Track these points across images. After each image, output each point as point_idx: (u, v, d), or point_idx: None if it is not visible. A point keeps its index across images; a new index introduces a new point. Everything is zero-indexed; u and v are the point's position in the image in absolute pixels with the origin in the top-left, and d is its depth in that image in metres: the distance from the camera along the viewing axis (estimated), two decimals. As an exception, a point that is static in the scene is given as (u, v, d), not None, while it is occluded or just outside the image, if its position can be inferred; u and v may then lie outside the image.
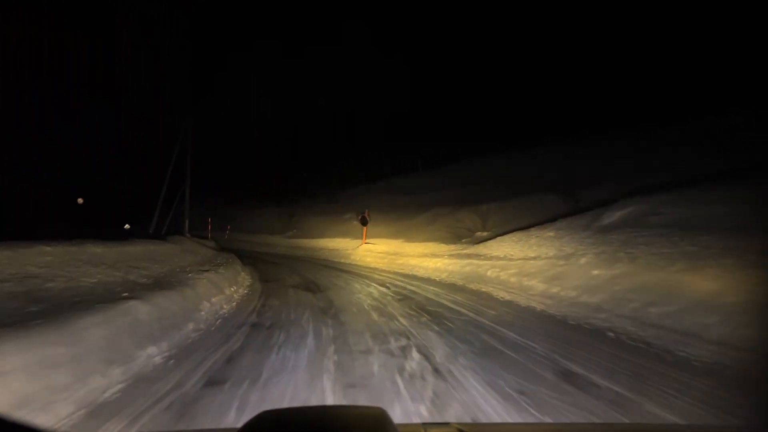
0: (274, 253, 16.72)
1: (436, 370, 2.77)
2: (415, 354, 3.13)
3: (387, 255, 12.27)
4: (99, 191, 19.03)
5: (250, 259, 13.11)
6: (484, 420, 2.08)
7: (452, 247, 11.27)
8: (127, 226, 17.02)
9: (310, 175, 25.57)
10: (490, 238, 10.25)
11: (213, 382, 2.56)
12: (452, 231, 13.35)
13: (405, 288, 6.78)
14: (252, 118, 28.69)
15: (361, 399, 2.33)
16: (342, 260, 13.31)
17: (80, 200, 19.68)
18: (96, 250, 4.86)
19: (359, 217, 14.10)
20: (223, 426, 1.98)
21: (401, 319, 4.37)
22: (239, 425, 0.70)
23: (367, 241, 14.26)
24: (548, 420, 2.08)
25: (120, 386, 2.44)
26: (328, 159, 25.66)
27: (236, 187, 27.81)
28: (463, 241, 12.44)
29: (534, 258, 6.74)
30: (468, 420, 2.09)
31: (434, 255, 10.36)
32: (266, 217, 23.14)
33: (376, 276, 8.67)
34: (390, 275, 8.80)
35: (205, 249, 10.23)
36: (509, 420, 2.09)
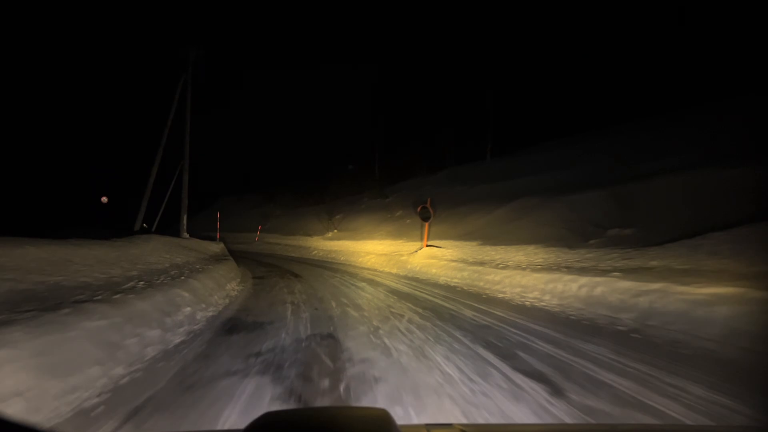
0: (307, 259, 12.58)
1: None
2: None
3: (465, 265, 7.48)
4: (115, 187, 16.60)
5: (265, 269, 8.99)
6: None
7: (587, 253, 6.20)
8: (144, 225, 13.61)
9: (356, 168, 21.40)
10: (686, 236, 5.06)
11: None
12: (567, 227, 8.23)
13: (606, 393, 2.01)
14: (289, 109, 25.23)
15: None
16: (395, 271, 8.74)
17: (104, 199, 17.02)
18: None
19: (418, 209, 9.45)
20: (227, 427, 1.62)
21: None
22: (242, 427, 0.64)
23: (429, 243, 9.56)
24: None
25: None
26: (376, 148, 21.34)
27: (275, 185, 24.47)
28: (592, 242, 7.30)
29: None
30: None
31: (562, 268, 5.38)
32: (306, 217, 19.28)
33: (468, 314, 3.94)
34: (497, 314, 4.01)
35: (177, 254, 6.16)
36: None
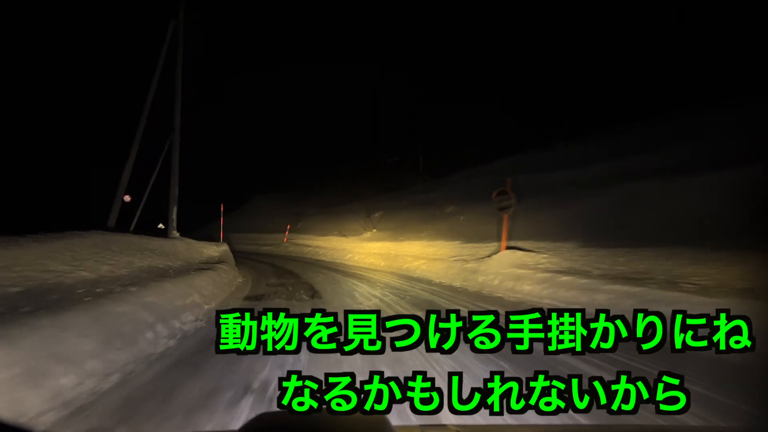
0: (337, 265, 9.92)
1: None
2: None
3: (592, 281, 4.32)
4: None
5: (276, 280, 6.39)
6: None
7: None
8: (161, 225, 11.65)
9: (397, 161, 18.54)
10: None
11: None
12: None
13: None
14: (324, 102, 22.99)
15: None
16: (460, 285, 5.72)
17: (127, 198, 15.43)
18: None
19: (494, 196, 6.30)
20: (221, 429, 1.53)
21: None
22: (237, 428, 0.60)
23: (509, 245, 6.43)
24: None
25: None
26: (420, 137, 18.37)
27: (308, 182, 22.22)
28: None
29: None
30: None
31: None
32: (341, 215, 16.77)
33: None
34: None
35: (105, 262, 3.62)
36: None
